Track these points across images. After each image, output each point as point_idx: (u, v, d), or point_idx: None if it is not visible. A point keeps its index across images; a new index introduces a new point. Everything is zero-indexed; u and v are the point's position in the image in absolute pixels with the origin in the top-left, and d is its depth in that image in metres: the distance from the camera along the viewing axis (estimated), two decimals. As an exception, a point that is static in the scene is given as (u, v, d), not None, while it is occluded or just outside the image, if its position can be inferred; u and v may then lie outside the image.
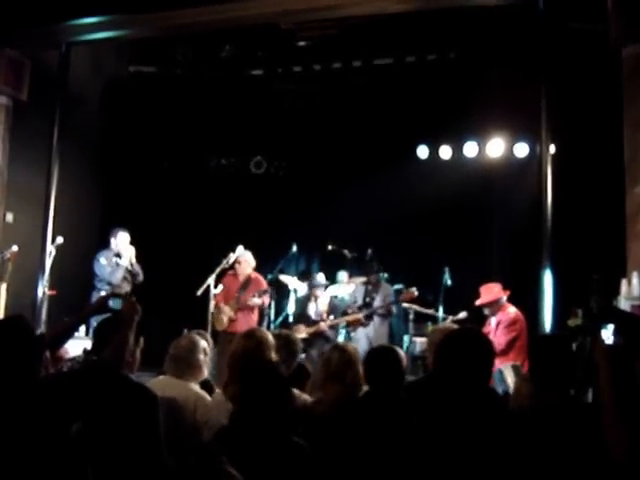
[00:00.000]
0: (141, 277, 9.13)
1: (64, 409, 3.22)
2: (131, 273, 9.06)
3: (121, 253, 9.00)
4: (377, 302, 9.47)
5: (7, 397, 3.16)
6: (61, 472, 3.16)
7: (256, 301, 9.30)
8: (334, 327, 9.39)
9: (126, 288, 9.01)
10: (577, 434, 3.10)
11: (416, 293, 9.00)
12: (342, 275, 10.46)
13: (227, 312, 9.12)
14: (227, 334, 8.79)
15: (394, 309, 9.56)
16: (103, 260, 8.96)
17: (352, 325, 9.50)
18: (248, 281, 9.32)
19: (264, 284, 9.46)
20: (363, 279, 9.90)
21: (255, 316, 9.46)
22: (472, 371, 3.25)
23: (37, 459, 3.09)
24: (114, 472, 3.56)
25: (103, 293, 8.61)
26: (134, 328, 3.63)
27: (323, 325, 9.26)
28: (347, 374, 4.12)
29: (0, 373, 3.26)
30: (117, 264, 8.95)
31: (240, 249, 9.03)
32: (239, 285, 9.26)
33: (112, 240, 9.07)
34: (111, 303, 3.87)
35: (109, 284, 8.90)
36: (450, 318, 8.63)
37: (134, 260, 9.06)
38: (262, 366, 3.88)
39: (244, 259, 9.28)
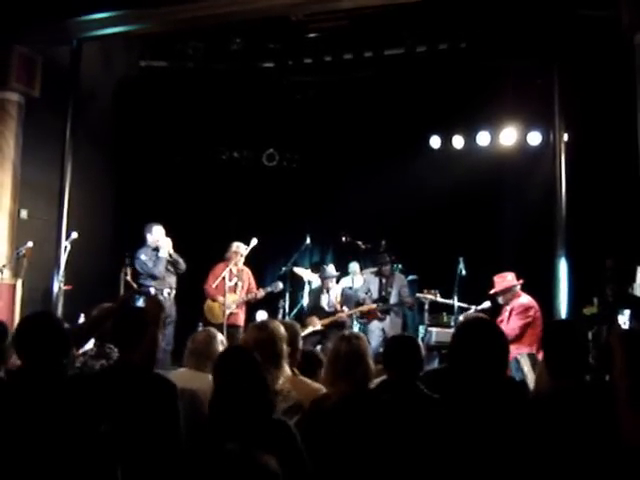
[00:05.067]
0: (183, 265, 9.23)
1: (94, 408, 3.23)
2: (172, 263, 9.15)
3: (159, 246, 9.08)
4: (393, 297, 9.54)
5: (38, 393, 3.16)
6: (91, 471, 3.17)
7: (262, 294, 9.52)
8: (348, 318, 9.40)
9: (171, 279, 9.16)
10: (593, 418, 3.09)
11: (439, 299, 9.01)
12: (354, 266, 10.45)
13: (227, 305, 9.14)
14: (227, 327, 8.83)
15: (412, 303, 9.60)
16: (143, 256, 9.06)
17: (367, 318, 9.53)
18: (241, 274, 9.37)
19: (253, 279, 9.71)
20: (373, 269, 9.92)
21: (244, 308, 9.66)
22: (488, 359, 3.25)
23: (67, 458, 3.10)
24: (139, 465, 3.57)
25: (151, 289, 8.79)
26: (160, 325, 3.63)
27: (342, 315, 9.25)
28: (357, 370, 4.06)
29: (30, 368, 3.27)
30: (157, 257, 9.04)
31: (254, 242, 9.04)
32: (232, 278, 9.21)
33: (148, 236, 9.16)
34: (134, 301, 3.90)
35: (153, 278, 9.00)
36: (473, 308, 8.60)
37: (172, 250, 9.14)
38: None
39: (243, 252, 9.31)
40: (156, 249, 9.11)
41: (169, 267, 9.14)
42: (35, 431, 3.10)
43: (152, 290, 8.81)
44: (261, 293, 9.46)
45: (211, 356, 4.66)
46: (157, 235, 9.14)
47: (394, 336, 4.73)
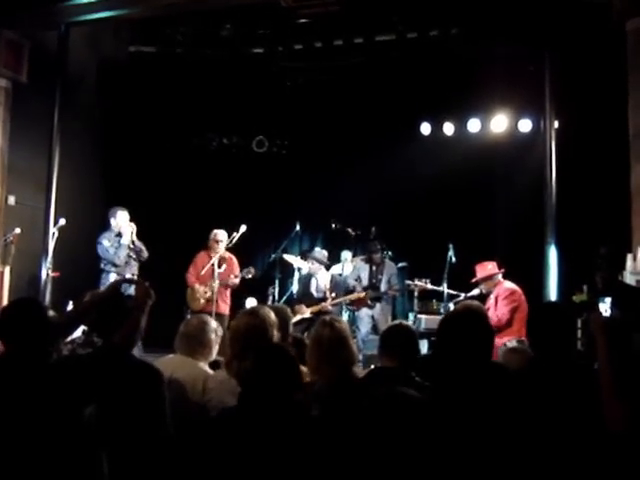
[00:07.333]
0: (145, 253, 8.93)
1: (78, 392, 3.22)
2: (134, 251, 8.87)
3: (122, 232, 8.80)
4: (383, 284, 9.48)
5: (20, 379, 3.15)
6: (75, 456, 3.16)
7: (236, 281, 9.26)
8: (336, 305, 9.37)
9: (133, 267, 8.91)
10: (578, 400, 3.09)
11: (429, 286, 9.00)
12: (346, 254, 10.44)
13: (204, 292, 9.06)
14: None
15: (398, 292, 9.63)
16: (106, 242, 8.74)
17: (356, 305, 9.51)
18: (223, 261, 9.25)
19: (237, 266, 9.45)
20: (364, 257, 9.90)
21: (229, 296, 9.42)
22: (471, 346, 3.24)
23: (50, 443, 3.09)
24: (125, 451, 3.55)
25: (112, 275, 8.58)
26: (147, 312, 3.61)
27: (326, 305, 9.20)
28: (341, 354, 4.06)
29: (13, 354, 3.26)
30: (119, 243, 8.77)
31: (243, 228, 8.98)
32: (221, 265, 9.09)
33: (112, 220, 8.85)
34: (124, 288, 3.86)
35: (114, 265, 8.74)
36: (463, 295, 8.58)
37: (135, 237, 8.86)
38: (271, 344, 3.91)
39: (224, 239, 9.21)
40: (119, 235, 8.80)
41: (131, 254, 8.84)
42: (18, 416, 3.09)
43: (112, 277, 8.52)
44: (233, 280, 9.29)
45: (202, 342, 4.62)
46: (120, 221, 8.82)
47: (393, 324, 4.68)
